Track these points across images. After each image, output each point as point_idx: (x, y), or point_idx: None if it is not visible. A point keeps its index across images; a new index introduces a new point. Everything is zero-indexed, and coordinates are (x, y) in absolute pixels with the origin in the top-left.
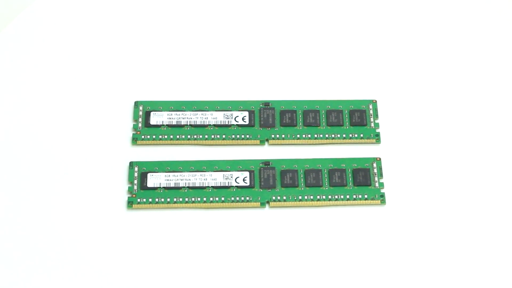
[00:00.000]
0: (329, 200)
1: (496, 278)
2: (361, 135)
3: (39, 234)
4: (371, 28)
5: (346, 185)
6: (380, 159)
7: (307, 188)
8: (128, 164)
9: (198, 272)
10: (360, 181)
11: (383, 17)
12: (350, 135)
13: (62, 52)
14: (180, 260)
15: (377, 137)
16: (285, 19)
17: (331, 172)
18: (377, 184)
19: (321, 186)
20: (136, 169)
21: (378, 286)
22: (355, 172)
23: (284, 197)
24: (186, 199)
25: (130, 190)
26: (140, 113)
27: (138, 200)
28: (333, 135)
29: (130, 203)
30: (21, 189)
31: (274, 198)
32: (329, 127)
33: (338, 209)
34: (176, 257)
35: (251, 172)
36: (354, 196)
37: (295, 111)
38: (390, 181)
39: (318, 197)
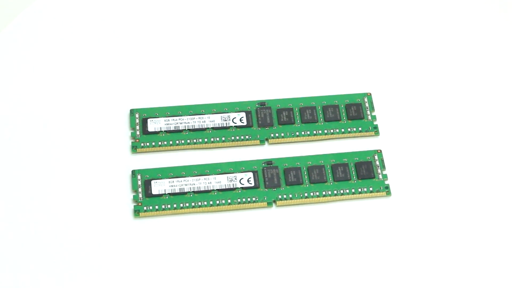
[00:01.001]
0: (334, 195)
1: (501, 269)
2: (360, 129)
3: (47, 246)
4: (361, 23)
5: (350, 179)
6: (381, 151)
7: (312, 185)
8: (130, 172)
9: (211, 276)
10: (363, 174)
11: (372, 10)
12: (349, 129)
13: (59, 54)
14: (192, 264)
15: (375, 130)
16: (275, 17)
17: (334, 167)
18: (380, 176)
19: (325, 181)
20: (139, 177)
21: (390, 278)
22: (358, 165)
23: (290, 195)
24: (193, 204)
25: (135, 199)
26: (137, 120)
27: (145, 208)
28: (331, 130)
29: (137, 212)
30: (26, 206)
31: (280, 197)
32: (327, 123)
33: (344, 204)
34: (188, 261)
35: (254, 172)
36: (359, 190)
37: (291, 109)
38: (393, 172)
39: (324, 193)
